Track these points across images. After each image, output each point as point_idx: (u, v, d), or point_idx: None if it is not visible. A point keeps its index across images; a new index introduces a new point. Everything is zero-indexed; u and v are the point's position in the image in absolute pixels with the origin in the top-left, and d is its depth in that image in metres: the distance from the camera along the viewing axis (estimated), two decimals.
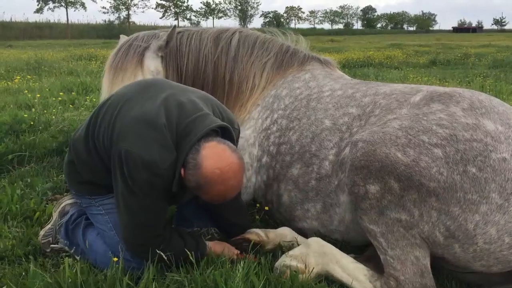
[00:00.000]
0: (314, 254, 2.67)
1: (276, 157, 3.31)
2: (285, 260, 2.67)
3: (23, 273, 2.67)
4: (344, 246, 3.02)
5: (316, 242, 2.73)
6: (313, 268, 2.62)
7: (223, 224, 3.13)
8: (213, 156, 2.42)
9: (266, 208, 3.38)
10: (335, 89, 3.39)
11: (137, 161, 2.40)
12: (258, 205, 3.49)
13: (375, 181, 2.51)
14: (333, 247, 2.70)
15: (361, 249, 3.02)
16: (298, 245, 2.93)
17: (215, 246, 2.83)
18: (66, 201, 3.18)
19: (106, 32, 62.62)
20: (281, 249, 2.96)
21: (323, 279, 2.62)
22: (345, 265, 2.61)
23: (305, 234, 3.12)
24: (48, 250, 3.05)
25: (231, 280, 2.24)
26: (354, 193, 2.61)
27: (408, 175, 2.43)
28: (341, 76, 3.81)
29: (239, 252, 2.89)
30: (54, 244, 3.05)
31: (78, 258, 2.85)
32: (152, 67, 3.73)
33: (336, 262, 2.63)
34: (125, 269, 2.60)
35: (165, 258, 2.48)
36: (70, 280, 2.31)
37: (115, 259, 2.54)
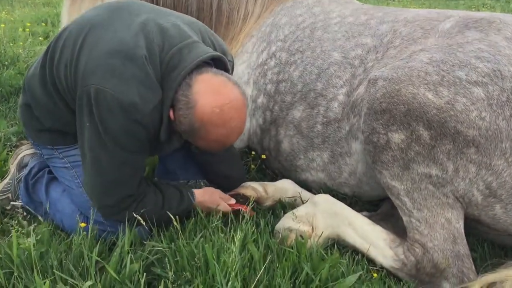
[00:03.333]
0: (322, 215, 2.24)
1: (274, 97, 2.81)
2: (288, 222, 2.24)
3: None
4: (355, 201, 2.61)
5: (324, 200, 2.29)
6: (322, 231, 2.20)
7: (214, 177, 2.67)
8: (210, 91, 1.95)
9: (263, 156, 2.92)
10: (345, 16, 2.83)
11: (112, 104, 1.92)
12: (253, 153, 3.03)
13: (399, 128, 2.04)
14: (345, 206, 2.27)
15: (375, 204, 2.61)
16: (302, 200, 2.50)
17: (204, 195, 2.38)
18: (24, 151, 2.69)
19: None
20: (283, 207, 2.53)
21: (334, 244, 2.20)
22: (359, 228, 2.18)
23: (309, 186, 2.69)
24: (8, 207, 2.60)
25: (225, 252, 1.80)
26: (372, 143, 2.14)
27: (441, 120, 1.96)
28: (350, 1, 3.24)
29: (234, 201, 2.45)
30: (14, 201, 2.61)
31: (41, 219, 2.40)
32: None
33: (349, 223, 2.20)
34: (98, 234, 2.18)
35: (143, 222, 2.03)
36: (26, 254, 1.86)
37: (83, 224, 2.09)
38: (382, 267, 2.12)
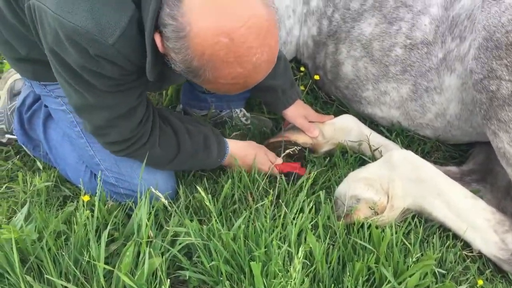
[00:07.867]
0: (402, 180, 1.66)
1: (334, 1, 2.09)
2: (355, 187, 1.67)
3: None
4: (437, 145, 2.02)
5: (405, 159, 1.68)
6: (402, 205, 1.65)
7: (256, 90, 1.98)
8: (210, 6, 1.21)
9: (316, 77, 2.28)
10: None
11: (57, 30, 1.30)
12: (302, 69, 2.38)
13: None
14: (434, 169, 1.67)
15: (464, 150, 2.02)
16: (370, 147, 1.93)
17: (240, 152, 1.83)
18: (14, 75, 2.13)
19: None
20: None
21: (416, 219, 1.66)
22: (454, 201, 1.61)
23: (376, 123, 2.10)
24: (3, 140, 2.13)
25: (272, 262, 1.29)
26: (487, 91, 1.49)
27: None
28: None
29: (279, 161, 1.89)
30: (10, 133, 2.12)
31: (40, 165, 1.92)
32: None
33: (439, 194, 1.63)
34: (107, 198, 1.70)
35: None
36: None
37: (86, 198, 1.58)
38: (479, 253, 1.61)
